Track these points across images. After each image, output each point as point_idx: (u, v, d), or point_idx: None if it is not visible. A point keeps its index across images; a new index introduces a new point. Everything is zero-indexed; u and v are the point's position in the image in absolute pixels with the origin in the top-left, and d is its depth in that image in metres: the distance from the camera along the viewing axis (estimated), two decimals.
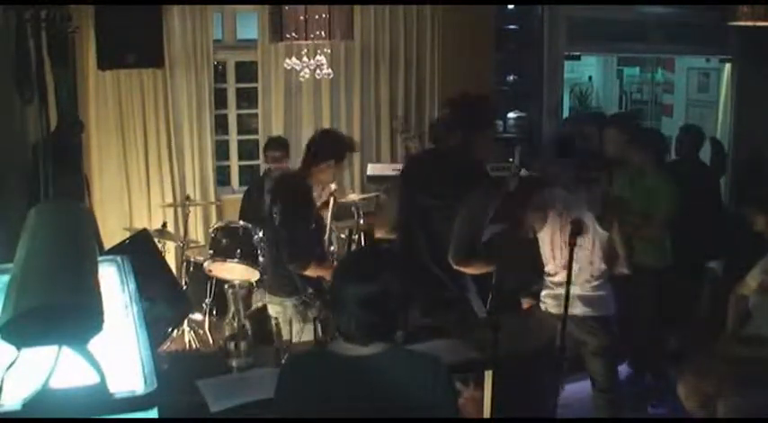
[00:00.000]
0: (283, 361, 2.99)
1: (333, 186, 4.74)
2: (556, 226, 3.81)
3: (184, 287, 5.37)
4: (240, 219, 5.53)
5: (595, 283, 3.82)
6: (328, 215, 4.64)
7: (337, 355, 2.05)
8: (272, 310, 4.00)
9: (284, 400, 2.10)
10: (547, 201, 3.87)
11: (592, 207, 3.79)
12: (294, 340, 3.76)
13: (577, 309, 3.77)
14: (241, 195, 6.03)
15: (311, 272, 3.88)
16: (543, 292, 3.94)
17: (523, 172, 6.53)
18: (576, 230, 3.57)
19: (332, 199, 4.64)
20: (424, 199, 3.75)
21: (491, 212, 3.63)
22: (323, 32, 4.72)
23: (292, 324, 3.58)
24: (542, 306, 3.92)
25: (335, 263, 4.73)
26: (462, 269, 3.64)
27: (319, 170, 3.98)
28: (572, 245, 3.57)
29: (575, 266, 3.65)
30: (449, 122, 3.95)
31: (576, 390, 4.19)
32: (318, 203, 4.74)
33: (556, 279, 3.85)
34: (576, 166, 3.94)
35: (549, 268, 3.90)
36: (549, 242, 3.85)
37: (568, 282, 3.64)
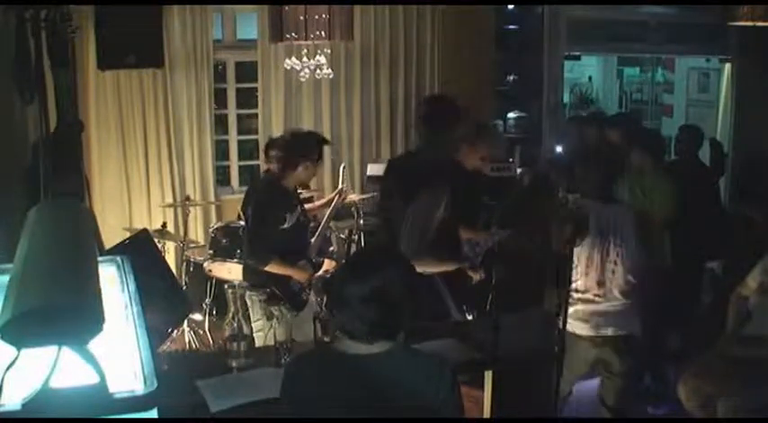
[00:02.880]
0: (283, 361, 3.00)
1: (341, 185, 4.78)
2: (595, 241, 3.56)
3: (184, 287, 5.36)
4: (239, 219, 5.53)
5: (625, 300, 3.60)
6: (326, 214, 4.66)
7: (342, 354, 2.05)
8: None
9: (289, 398, 2.10)
10: (584, 216, 3.59)
11: (627, 219, 3.63)
12: (257, 338, 3.88)
13: (609, 329, 3.57)
14: (241, 195, 6.02)
15: (273, 269, 4.00)
16: (571, 310, 3.56)
17: (520, 170, 6.55)
18: (576, 232, 3.49)
19: (337, 197, 4.68)
20: (384, 203, 3.81)
21: (438, 213, 3.64)
22: (323, 33, 4.72)
23: (265, 323, 3.70)
24: (569, 327, 3.51)
25: (337, 263, 4.76)
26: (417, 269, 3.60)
27: (297, 173, 4.08)
28: (570, 243, 3.45)
29: (606, 282, 3.51)
30: (415, 121, 4.08)
31: (578, 389, 4.18)
32: (322, 201, 4.77)
33: (586, 296, 3.60)
34: (608, 179, 3.77)
35: (579, 284, 3.61)
36: (586, 258, 3.58)
37: (573, 286, 3.62)
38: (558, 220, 3.65)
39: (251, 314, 4.12)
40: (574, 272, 3.56)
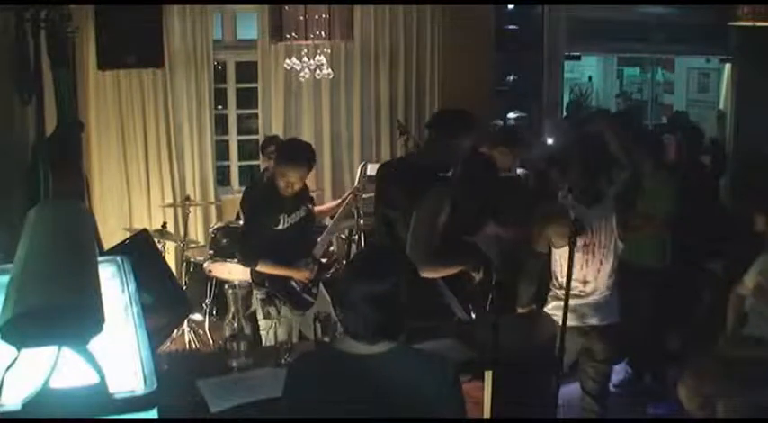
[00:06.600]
0: (283, 361, 3.00)
1: (357, 183, 4.75)
2: (581, 242, 3.68)
3: (184, 287, 5.37)
4: (238, 219, 5.53)
5: (608, 292, 3.82)
6: (337, 213, 4.63)
7: (345, 353, 2.06)
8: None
9: (291, 398, 2.11)
10: (566, 217, 3.69)
11: (609, 219, 3.76)
12: (264, 336, 3.91)
13: (594, 319, 3.77)
14: (241, 196, 6.02)
15: (266, 269, 4.02)
16: (553, 304, 3.80)
17: (521, 171, 6.55)
18: (577, 232, 3.55)
19: (350, 196, 4.64)
20: (385, 210, 3.77)
21: (444, 217, 3.61)
22: (323, 33, 4.73)
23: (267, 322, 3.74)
24: (555, 319, 3.71)
25: (337, 263, 4.76)
26: (425, 276, 3.50)
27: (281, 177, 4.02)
28: (572, 244, 3.54)
29: (591, 279, 3.70)
30: (428, 124, 4.08)
31: (576, 390, 4.19)
32: (335, 202, 4.74)
33: (572, 292, 3.66)
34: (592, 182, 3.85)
35: (563, 281, 3.67)
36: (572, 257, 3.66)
37: (568, 287, 3.62)
38: (554, 221, 3.73)
39: (258, 312, 4.13)
40: (559, 269, 3.76)
